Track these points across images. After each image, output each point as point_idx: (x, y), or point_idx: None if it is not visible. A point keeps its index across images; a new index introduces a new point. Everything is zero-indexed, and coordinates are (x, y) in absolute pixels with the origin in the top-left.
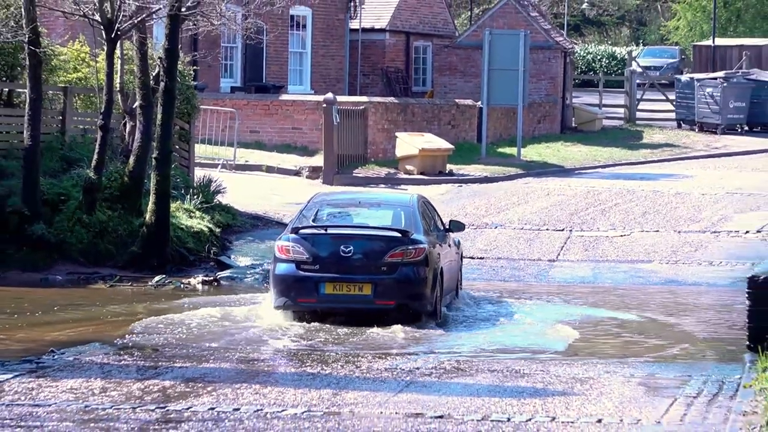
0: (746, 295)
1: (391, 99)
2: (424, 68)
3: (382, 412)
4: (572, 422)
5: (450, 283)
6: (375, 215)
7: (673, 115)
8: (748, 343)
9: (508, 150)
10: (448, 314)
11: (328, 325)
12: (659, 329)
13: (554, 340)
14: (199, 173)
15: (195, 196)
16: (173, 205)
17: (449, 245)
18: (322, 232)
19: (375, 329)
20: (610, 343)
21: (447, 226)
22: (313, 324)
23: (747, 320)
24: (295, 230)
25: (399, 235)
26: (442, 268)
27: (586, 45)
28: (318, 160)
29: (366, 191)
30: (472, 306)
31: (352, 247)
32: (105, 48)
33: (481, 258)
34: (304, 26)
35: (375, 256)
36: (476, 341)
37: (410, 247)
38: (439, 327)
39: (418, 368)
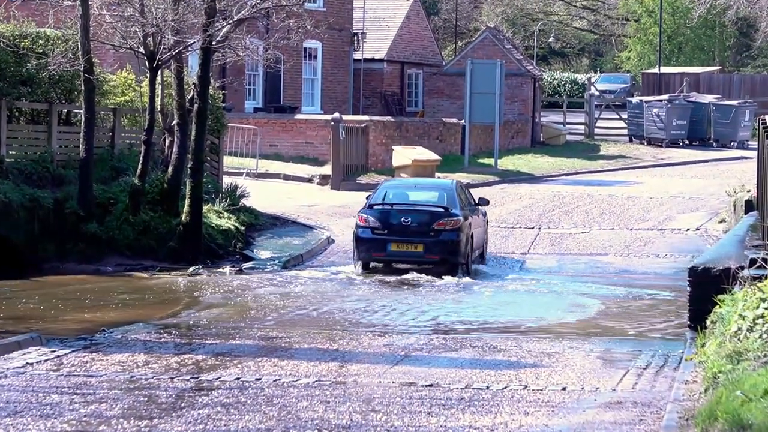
0: (687, 282)
1: (388, 118)
2: (416, 92)
3: (380, 382)
4: (541, 390)
5: (478, 244)
6: (425, 195)
7: (625, 131)
8: (689, 322)
9: (486, 161)
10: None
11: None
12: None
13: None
14: (227, 180)
15: (223, 200)
16: (205, 207)
17: (478, 216)
18: (389, 207)
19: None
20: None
21: (477, 202)
22: (376, 275)
23: (688, 303)
24: (371, 206)
25: (442, 210)
26: (472, 233)
27: (552, 72)
28: (327, 170)
29: (417, 179)
30: (494, 264)
31: (410, 218)
32: (148, 75)
33: None
34: (316, 57)
35: (425, 224)
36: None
37: (450, 219)
38: (468, 275)
39: (411, 344)
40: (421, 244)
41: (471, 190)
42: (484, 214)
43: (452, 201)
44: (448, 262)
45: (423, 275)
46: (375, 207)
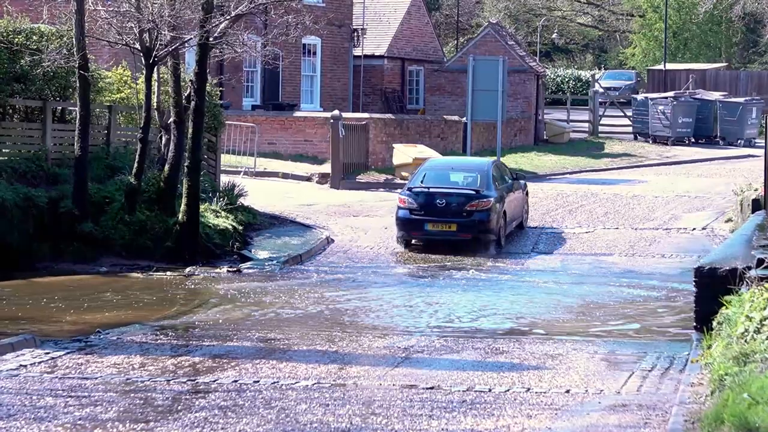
0: (693, 283)
1: (389, 115)
2: (417, 89)
3: (381, 384)
4: (544, 392)
5: (514, 215)
6: (460, 177)
7: (630, 129)
8: (695, 324)
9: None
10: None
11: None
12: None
13: None
14: (224, 179)
15: (221, 199)
16: (202, 207)
17: (516, 190)
18: (426, 190)
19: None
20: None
21: (514, 176)
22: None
23: (694, 304)
24: (410, 189)
25: (474, 192)
26: (505, 210)
27: (556, 69)
28: (326, 168)
29: (456, 158)
30: (531, 236)
31: (444, 201)
32: (144, 72)
33: None
34: (315, 53)
35: (458, 206)
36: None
37: (481, 200)
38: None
39: (411, 346)
40: (454, 224)
41: None
42: (524, 187)
43: (485, 182)
44: (480, 240)
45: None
46: (413, 189)
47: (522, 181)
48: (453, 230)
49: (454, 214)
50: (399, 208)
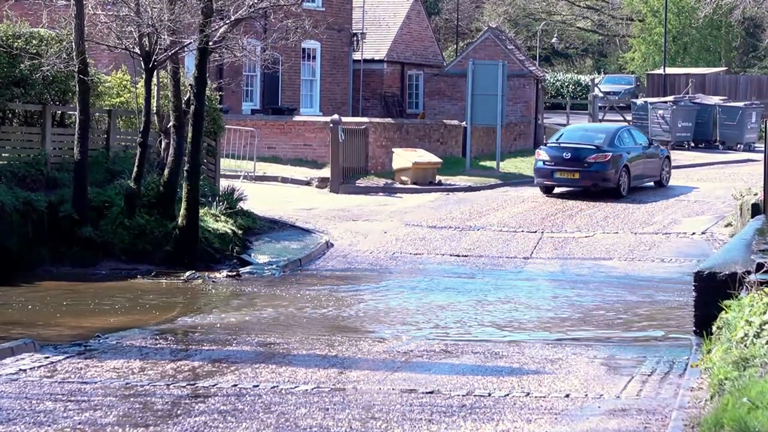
0: (693, 287)
1: (389, 120)
2: (417, 93)
3: (380, 389)
4: (544, 397)
5: (645, 174)
6: (588, 135)
7: None
8: (694, 328)
9: (488, 163)
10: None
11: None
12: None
13: None
14: (224, 183)
15: (220, 203)
16: (202, 211)
17: (650, 155)
18: (557, 145)
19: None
20: None
21: (649, 142)
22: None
23: (693, 309)
24: (545, 144)
25: (594, 147)
26: (627, 166)
27: (555, 73)
28: (326, 172)
29: (590, 124)
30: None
31: (569, 154)
32: (143, 76)
33: (465, 256)
34: (314, 57)
35: (581, 158)
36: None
37: (600, 154)
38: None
39: (411, 350)
40: (577, 173)
41: (472, 194)
42: (662, 153)
43: (607, 141)
44: (599, 187)
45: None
46: (548, 144)
47: (662, 148)
48: (576, 178)
49: (578, 165)
50: (537, 160)
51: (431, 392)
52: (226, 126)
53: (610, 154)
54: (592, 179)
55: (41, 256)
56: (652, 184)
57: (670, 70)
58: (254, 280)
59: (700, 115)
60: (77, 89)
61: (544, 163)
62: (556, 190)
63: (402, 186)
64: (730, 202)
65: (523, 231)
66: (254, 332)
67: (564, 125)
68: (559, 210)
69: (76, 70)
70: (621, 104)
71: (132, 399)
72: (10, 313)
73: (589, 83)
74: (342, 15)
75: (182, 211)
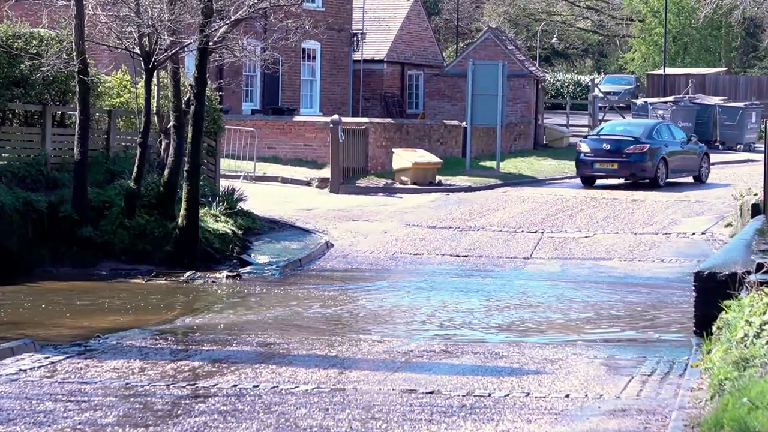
0: (693, 288)
1: (389, 120)
2: (417, 93)
3: (380, 389)
4: (544, 397)
5: (682, 168)
6: (628, 129)
7: None
8: (694, 328)
9: (488, 163)
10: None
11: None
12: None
13: None
14: (224, 183)
15: (220, 203)
16: (202, 211)
17: (689, 150)
18: (597, 137)
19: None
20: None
21: (688, 138)
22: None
23: (693, 309)
24: (586, 136)
25: (633, 139)
26: (665, 158)
27: (555, 74)
28: (326, 172)
29: (630, 120)
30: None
31: (609, 145)
32: (144, 76)
33: (465, 256)
34: (314, 58)
35: (620, 149)
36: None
37: (638, 145)
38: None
39: (411, 351)
40: (616, 163)
41: (472, 194)
42: (700, 149)
43: (645, 134)
44: (636, 176)
45: None
46: (589, 137)
47: (701, 145)
48: (615, 168)
49: (617, 156)
50: (578, 152)
51: (431, 392)
52: (226, 126)
53: (648, 145)
54: (630, 169)
55: (41, 257)
56: (691, 179)
57: (670, 71)
58: (254, 280)
59: (700, 115)
60: (77, 89)
61: (584, 155)
62: (597, 182)
63: (402, 186)
64: (730, 203)
65: (523, 231)
66: (254, 332)
67: (564, 125)
68: (559, 210)
69: (76, 70)
70: (621, 104)
71: (132, 399)
72: (10, 313)
73: (589, 83)
74: (342, 15)
75: (182, 212)
